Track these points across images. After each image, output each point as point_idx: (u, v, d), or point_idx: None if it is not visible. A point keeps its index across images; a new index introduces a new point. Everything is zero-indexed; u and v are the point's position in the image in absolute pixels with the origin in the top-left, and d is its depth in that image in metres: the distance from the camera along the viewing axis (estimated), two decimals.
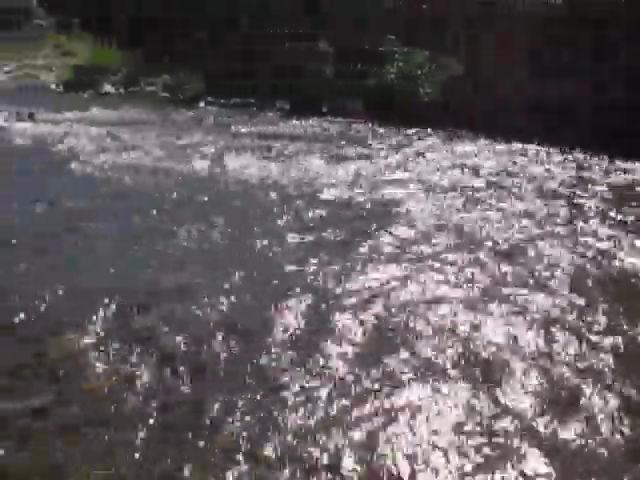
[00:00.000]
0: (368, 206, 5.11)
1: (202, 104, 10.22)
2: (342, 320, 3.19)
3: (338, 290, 3.54)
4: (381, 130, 8.40)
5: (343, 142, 7.53)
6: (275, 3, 11.56)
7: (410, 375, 2.75)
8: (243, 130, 8.13)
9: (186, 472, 2.26)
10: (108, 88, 11.16)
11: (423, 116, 8.32)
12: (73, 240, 4.29)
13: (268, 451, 2.30)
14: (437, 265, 3.83)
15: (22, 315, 3.24)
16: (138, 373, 2.83)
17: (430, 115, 8.27)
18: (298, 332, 3.10)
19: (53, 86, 11.17)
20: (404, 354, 2.91)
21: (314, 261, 3.89)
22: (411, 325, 3.18)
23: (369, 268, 3.83)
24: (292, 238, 4.32)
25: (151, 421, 2.56)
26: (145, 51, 12.41)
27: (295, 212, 4.87)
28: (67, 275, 3.73)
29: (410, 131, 8.21)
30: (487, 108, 7.96)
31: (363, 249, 4.13)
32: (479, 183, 5.81)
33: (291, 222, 4.65)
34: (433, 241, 4.27)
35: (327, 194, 5.48)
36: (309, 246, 4.17)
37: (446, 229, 4.52)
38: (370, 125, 8.70)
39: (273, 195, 5.33)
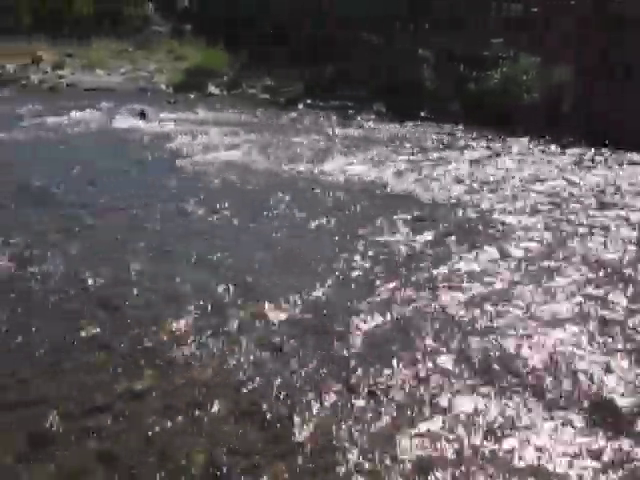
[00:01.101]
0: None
1: (300, 106, 10.39)
2: None
3: None
4: (478, 135, 8.16)
5: (448, 147, 7.37)
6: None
7: None
8: (340, 132, 8.19)
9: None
10: (213, 90, 11.64)
11: (527, 123, 8.00)
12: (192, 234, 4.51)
13: None
14: None
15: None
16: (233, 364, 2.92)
17: (536, 123, 7.93)
18: None
19: (163, 87, 11.81)
20: None
21: None
22: None
23: None
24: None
25: (247, 409, 2.63)
26: (247, 54, 12.85)
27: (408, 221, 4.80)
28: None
29: (513, 136, 7.92)
30: (613, 116, 7.47)
31: None
32: None
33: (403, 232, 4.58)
34: None
35: (435, 199, 5.37)
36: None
37: None
38: (469, 130, 8.48)
39: (381, 201, 5.31)
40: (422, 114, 9.25)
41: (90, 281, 3.68)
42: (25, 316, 3.30)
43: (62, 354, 2.99)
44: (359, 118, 9.38)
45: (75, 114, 8.58)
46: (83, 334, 3.12)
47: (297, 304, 3.44)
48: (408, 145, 7.39)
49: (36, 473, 2.31)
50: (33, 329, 3.17)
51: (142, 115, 8.60)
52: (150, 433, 2.51)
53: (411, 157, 6.84)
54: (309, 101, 10.52)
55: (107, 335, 3.15)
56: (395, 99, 9.78)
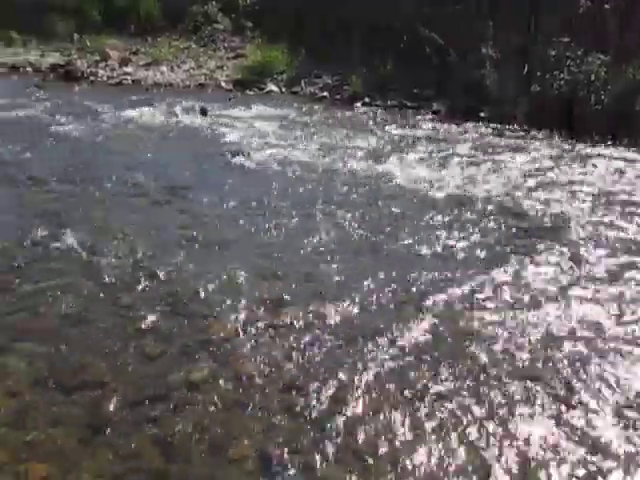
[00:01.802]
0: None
1: (359, 104, 10.35)
2: None
3: None
4: (544, 139, 7.89)
5: (509, 151, 7.14)
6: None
7: None
8: (398, 132, 8.10)
9: None
10: (272, 87, 11.74)
11: (595, 127, 7.67)
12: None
13: None
14: None
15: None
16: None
17: (606, 127, 7.58)
18: None
19: (224, 84, 12.01)
20: None
21: None
22: None
23: None
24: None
25: (298, 406, 2.64)
26: (307, 52, 12.91)
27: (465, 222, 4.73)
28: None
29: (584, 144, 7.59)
30: None
31: None
32: None
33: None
34: None
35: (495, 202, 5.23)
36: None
37: None
38: (533, 133, 8.23)
39: (439, 201, 5.23)
40: (482, 115, 9.03)
41: (152, 272, 3.79)
42: (90, 304, 3.43)
43: (122, 343, 3.09)
44: (418, 118, 9.25)
45: (139, 109, 8.85)
46: (143, 325, 3.22)
47: (357, 306, 3.44)
48: (470, 147, 7.22)
49: (95, 456, 2.40)
50: (96, 320, 3.28)
51: (203, 111, 8.76)
52: (204, 423, 2.56)
53: (473, 159, 6.67)
54: (367, 99, 10.45)
55: (166, 326, 3.23)
56: (455, 99, 9.60)
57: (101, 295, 3.53)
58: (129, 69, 13.22)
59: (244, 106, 9.49)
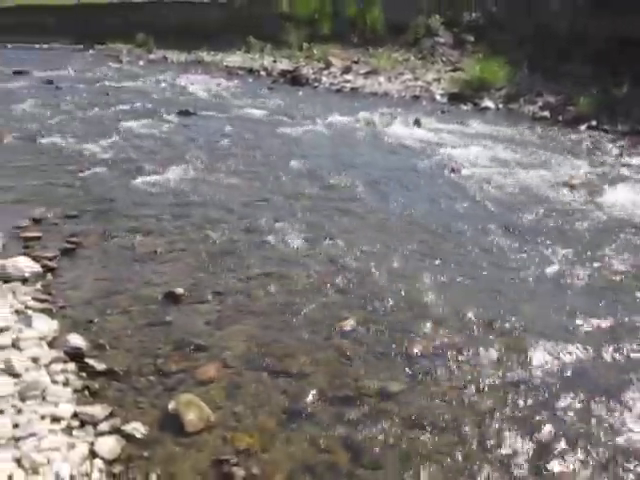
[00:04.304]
0: None
1: (583, 127, 9.51)
2: None
3: None
4: None
5: None
6: None
7: None
8: (630, 162, 7.24)
9: None
10: (488, 103, 11.36)
11: None
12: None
13: None
14: None
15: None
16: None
17: None
18: None
19: (438, 97, 11.96)
20: None
21: None
22: None
23: None
24: None
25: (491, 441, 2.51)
26: (530, 67, 12.28)
27: None
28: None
29: None
30: None
31: None
32: None
33: None
34: None
35: None
36: None
37: None
38: None
39: None
40: None
41: (362, 276, 3.91)
42: (299, 295, 3.65)
43: (324, 339, 3.23)
44: None
45: (357, 116, 9.23)
46: (345, 325, 3.33)
47: (562, 349, 3.18)
48: None
49: (290, 441, 2.53)
50: (302, 312, 3.47)
51: (417, 123, 8.82)
52: (394, 435, 2.56)
53: None
54: (594, 122, 9.54)
55: (366, 331, 3.30)
56: None
57: (310, 288, 3.73)
58: (349, 77, 13.89)
59: (458, 121, 9.33)
